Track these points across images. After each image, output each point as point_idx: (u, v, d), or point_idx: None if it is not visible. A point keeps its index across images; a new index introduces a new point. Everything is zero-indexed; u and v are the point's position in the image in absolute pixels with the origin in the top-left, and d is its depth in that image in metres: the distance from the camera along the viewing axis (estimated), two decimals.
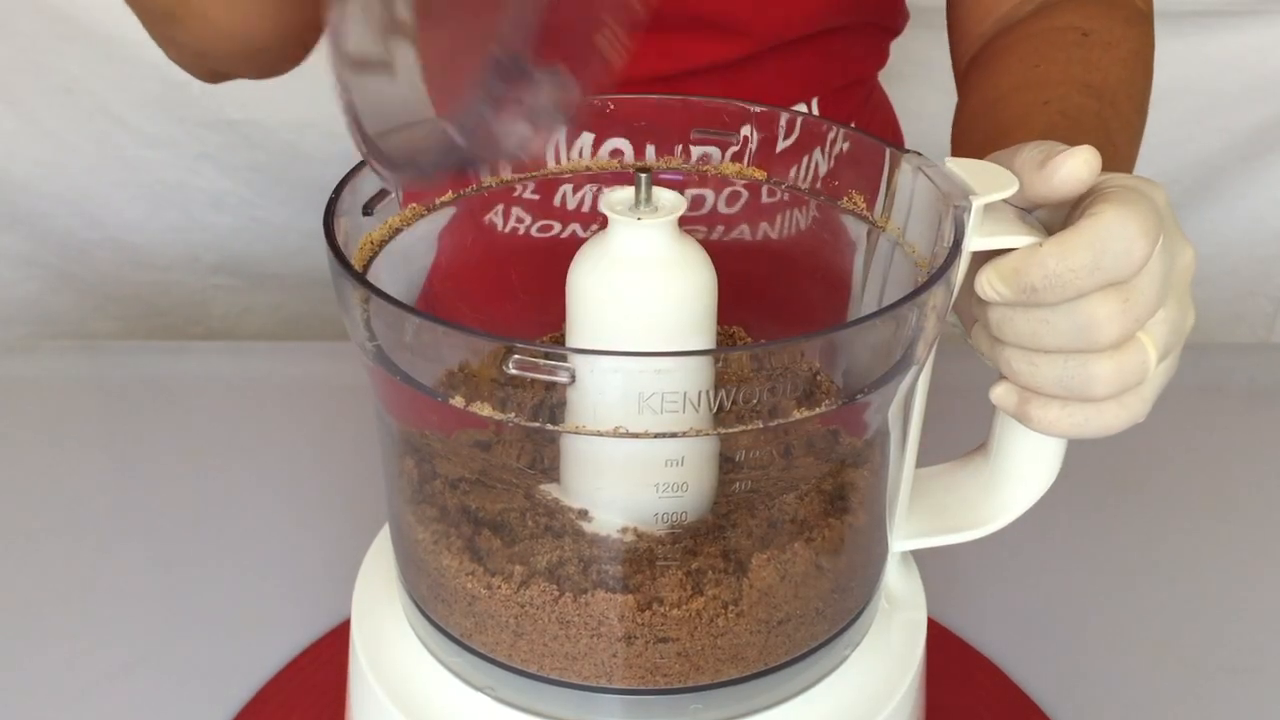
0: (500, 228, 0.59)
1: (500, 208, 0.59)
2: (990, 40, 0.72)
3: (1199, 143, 1.38)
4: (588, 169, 0.56)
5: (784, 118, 0.54)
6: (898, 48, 0.92)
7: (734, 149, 0.54)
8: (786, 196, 0.55)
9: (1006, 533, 0.54)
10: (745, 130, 0.55)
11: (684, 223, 0.47)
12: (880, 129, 0.93)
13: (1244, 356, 1.03)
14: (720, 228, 0.57)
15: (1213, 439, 0.87)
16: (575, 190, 0.57)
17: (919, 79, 1.07)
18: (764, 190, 0.55)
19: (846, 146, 0.53)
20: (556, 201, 0.58)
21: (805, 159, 0.54)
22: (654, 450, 0.44)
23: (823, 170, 0.54)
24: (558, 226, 0.58)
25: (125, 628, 0.71)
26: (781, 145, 0.54)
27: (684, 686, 0.47)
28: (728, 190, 0.56)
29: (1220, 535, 0.79)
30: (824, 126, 0.53)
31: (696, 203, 0.57)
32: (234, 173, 1.38)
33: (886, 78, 0.95)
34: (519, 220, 0.59)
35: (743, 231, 0.57)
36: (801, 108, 0.84)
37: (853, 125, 0.54)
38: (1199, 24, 1.32)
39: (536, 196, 0.58)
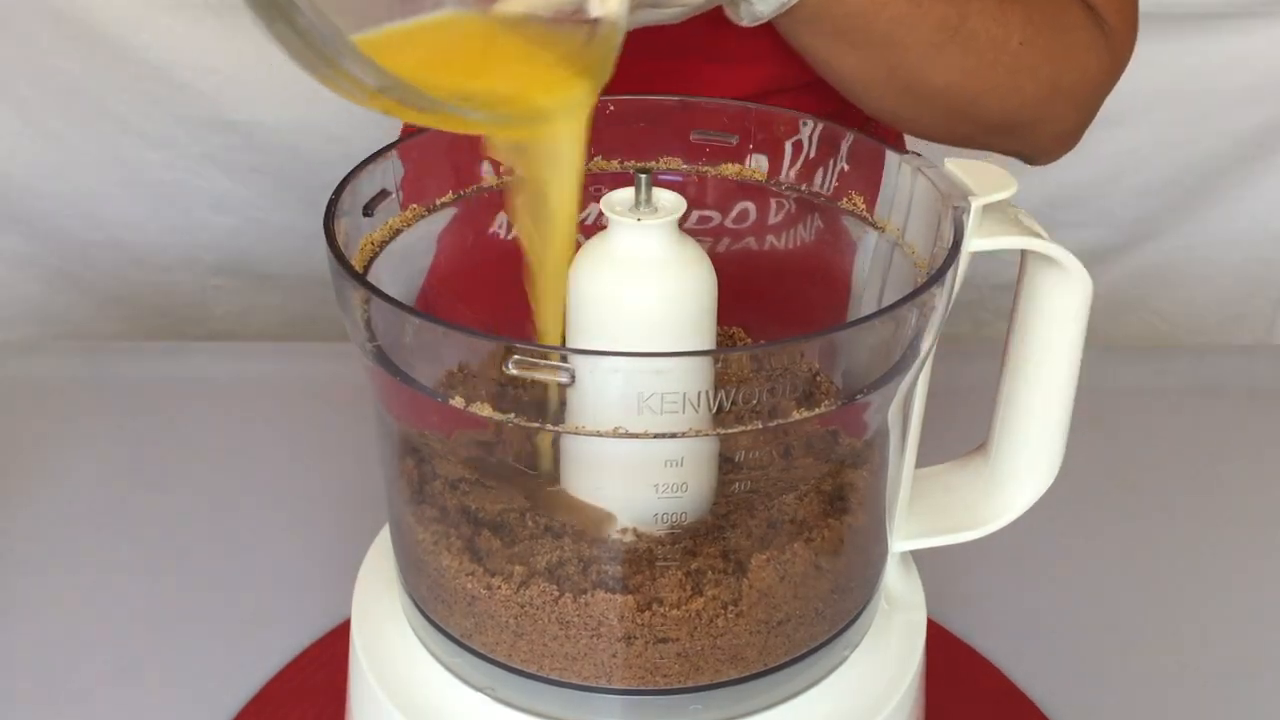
0: (503, 238, 0.59)
1: (503, 219, 0.59)
2: None
3: (1199, 144, 1.38)
4: (588, 170, 0.56)
5: (784, 119, 0.54)
6: None
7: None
8: (794, 209, 0.55)
9: (1006, 533, 0.54)
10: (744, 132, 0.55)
11: (691, 236, 0.47)
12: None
13: (1244, 357, 1.03)
14: (726, 240, 0.57)
15: (1213, 440, 0.87)
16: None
17: None
18: (773, 206, 0.55)
19: (846, 147, 0.53)
20: None
21: (805, 160, 0.54)
22: (653, 450, 0.44)
23: (822, 171, 0.54)
24: None
25: (125, 628, 0.71)
26: (782, 146, 0.54)
27: (683, 687, 0.47)
28: (737, 208, 0.57)
29: (1220, 536, 0.79)
30: (823, 128, 0.53)
31: (703, 220, 0.57)
32: (235, 173, 1.38)
33: None
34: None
35: (749, 243, 0.58)
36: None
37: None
38: (1199, 25, 1.32)
39: None
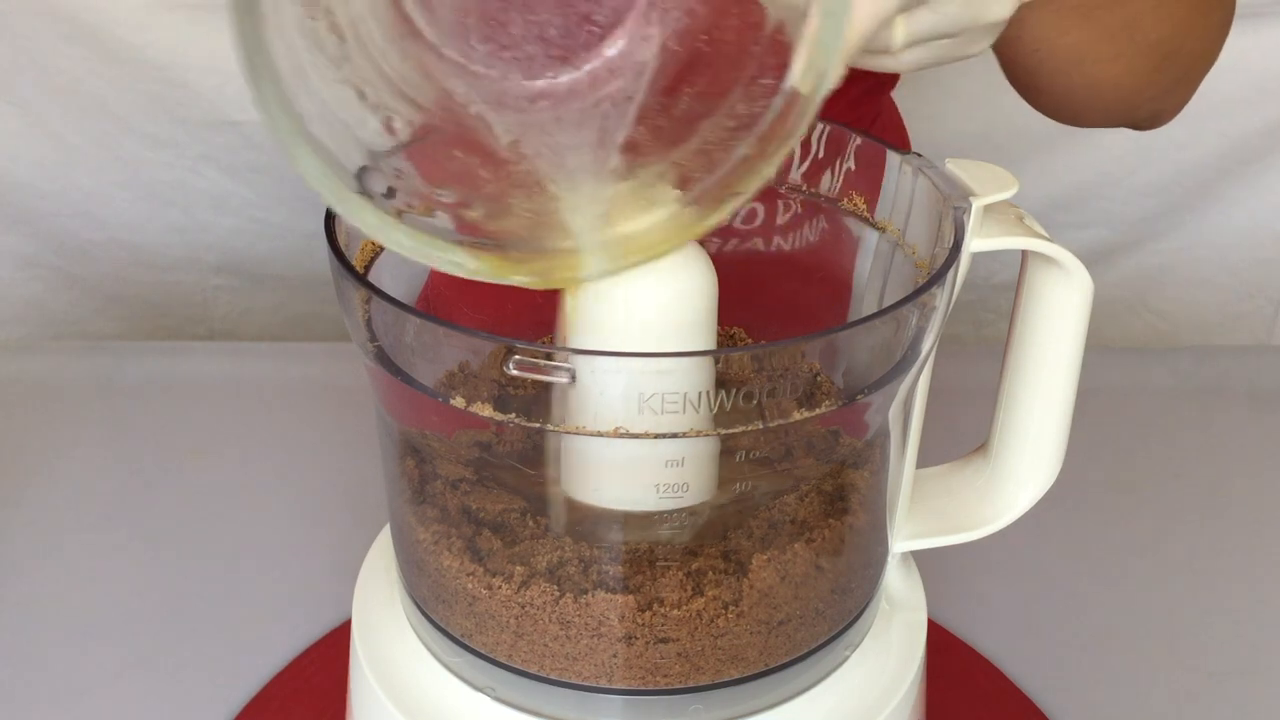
0: None
1: None
2: None
3: (1199, 145, 1.38)
4: None
5: None
6: None
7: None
8: (800, 210, 0.55)
9: (1006, 533, 0.54)
10: None
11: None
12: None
13: (1244, 358, 1.03)
14: (735, 240, 0.57)
15: (1213, 441, 0.87)
16: None
17: (922, 77, 1.07)
18: (780, 207, 0.55)
19: (852, 148, 0.53)
20: None
21: (813, 161, 0.54)
22: (654, 451, 0.44)
23: (829, 173, 0.54)
24: None
25: (125, 628, 0.71)
26: None
27: (684, 687, 0.47)
28: (744, 210, 0.56)
29: (1220, 537, 0.79)
30: (831, 129, 0.53)
31: None
32: (236, 173, 1.38)
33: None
34: None
35: (756, 244, 0.57)
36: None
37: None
38: None
39: None
